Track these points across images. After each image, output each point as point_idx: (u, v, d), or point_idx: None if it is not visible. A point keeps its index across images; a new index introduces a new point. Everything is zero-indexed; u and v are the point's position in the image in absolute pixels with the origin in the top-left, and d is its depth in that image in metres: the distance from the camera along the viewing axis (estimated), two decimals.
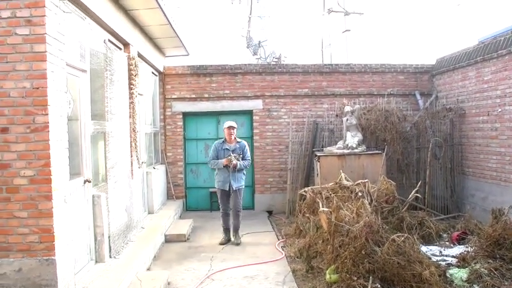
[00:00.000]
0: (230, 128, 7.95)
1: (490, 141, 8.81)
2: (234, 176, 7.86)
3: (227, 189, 7.87)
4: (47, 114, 4.34)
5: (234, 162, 7.72)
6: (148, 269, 6.56)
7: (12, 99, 4.34)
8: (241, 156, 7.87)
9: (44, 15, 4.32)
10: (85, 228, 5.64)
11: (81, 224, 5.47)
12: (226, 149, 7.92)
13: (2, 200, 4.37)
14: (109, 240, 6.07)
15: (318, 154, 9.51)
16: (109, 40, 6.83)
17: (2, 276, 4.37)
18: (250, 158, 8.16)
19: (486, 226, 6.76)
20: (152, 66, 10.06)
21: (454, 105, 9.94)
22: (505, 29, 8.70)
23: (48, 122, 4.35)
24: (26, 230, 4.39)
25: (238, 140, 8.14)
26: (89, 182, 5.73)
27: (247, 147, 8.12)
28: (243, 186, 8.11)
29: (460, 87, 9.87)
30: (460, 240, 7.27)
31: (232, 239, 8.05)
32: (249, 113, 11.17)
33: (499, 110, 8.42)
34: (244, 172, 8.12)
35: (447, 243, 7.43)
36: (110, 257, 6.08)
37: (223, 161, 7.78)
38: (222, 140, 8.14)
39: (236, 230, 8.07)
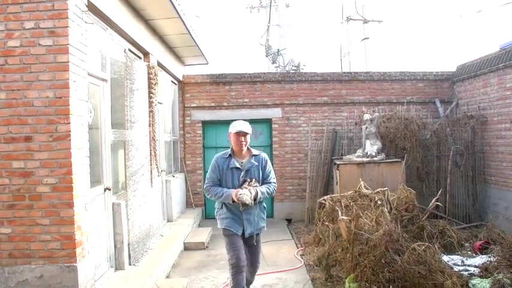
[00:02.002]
0: (240, 134, 4.91)
1: None
2: (249, 213, 4.92)
3: (239, 233, 4.97)
4: (69, 123, 4.42)
5: (248, 200, 4.72)
6: (167, 277, 6.59)
7: (35, 109, 4.43)
8: (259, 179, 5.02)
9: (67, 26, 4.41)
10: (105, 236, 5.70)
11: (101, 232, 5.54)
12: (236, 168, 4.94)
13: (25, 207, 4.44)
14: (129, 248, 6.12)
15: (337, 162, 9.47)
16: (129, 50, 6.93)
17: (23, 283, 4.44)
18: (275, 179, 5.17)
19: (509, 235, 6.65)
20: (172, 75, 10.15)
21: (475, 112, 9.81)
22: None
23: (70, 131, 4.43)
24: (48, 237, 4.45)
25: (255, 151, 5.09)
26: (109, 190, 5.80)
27: (269, 163, 5.13)
28: (265, 229, 5.24)
29: (481, 94, 9.75)
30: (483, 250, 7.14)
31: None
32: (268, 122, 11.18)
33: None
34: (265, 205, 5.22)
35: (469, 252, 7.30)
36: (130, 264, 6.13)
37: (231, 194, 4.79)
38: (228, 152, 5.02)
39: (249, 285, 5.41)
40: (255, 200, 4.80)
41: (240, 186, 4.87)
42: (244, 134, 4.92)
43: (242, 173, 4.93)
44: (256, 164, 5.02)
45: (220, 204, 5.10)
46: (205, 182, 5.10)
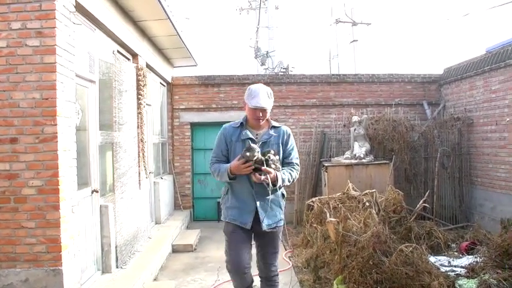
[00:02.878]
0: (258, 110, 3.86)
1: (499, 151, 8.75)
2: (264, 201, 3.88)
3: (249, 227, 3.90)
4: (56, 125, 4.38)
5: (271, 174, 3.72)
6: (155, 279, 6.55)
7: (21, 110, 4.39)
8: (280, 157, 3.93)
9: (55, 27, 4.38)
10: (92, 239, 5.66)
11: (88, 234, 5.50)
12: (249, 139, 3.90)
13: (10, 210, 4.39)
14: (116, 251, 6.08)
15: (326, 164, 9.50)
16: (118, 51, 6.90)
17: (8, 287, 4.38)
18: (298, 159, 4.12)
19: (495, 236, 6.71)
20: (160, 76, 10.12)
21: (462, 114, 9.90)
22: None
23: (56, 133, 4.39)
24: (33, 240, 4.41)
25: (275, 123, 4.08)
26: (97, 192, 5.76)
27: (292, 138, 4.11)
28: (282, 223, 4.08)
29: (467, 97, 9.84)
30: (469, 251, 7.20)
31: None
32: None
33: (507, 119, 8.38)
34: (284, 192, 4.12)
35: (456, 253, 7.36)
36: (117, 267, 6.09)
37: (242, 166, 3.69)
38: (240, 121, 4.03)
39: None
40: (274, 185, 3.74)
41: (259, 164, 3.70)
42: (263, 111, 3.88)
43: (257, 146, 3.76)
44: (276, 135, 3.97)
45: (226, 187, 4.06)
46: (210, 158, 4.06)
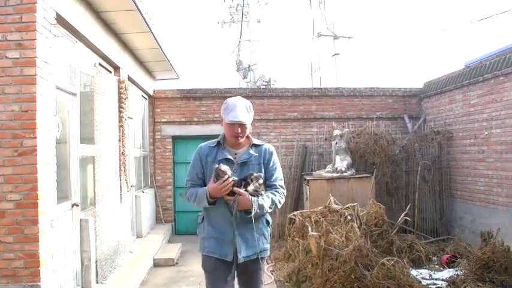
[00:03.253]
0: (236, 125, 3.42)
1: (478, 164, 8.88)
2: (244, 228, 3.41)
3: (230, 258, 3.43)
4: (36, 138, 4.32)
5: (245, 196, 3.27)
6: None
7: (0, 122, 4.32)
8: (262, 180, 3.42)
9: (35, 39, 4.33)
10: (72, 253, 5.56)
11: (67, 249, 5.40)
12: (226, 160, 3.46)
13: None
14: (96, 265, 5.98)
15: (307, 178, 9.52)
16: (99, 64, 6.86)
17: None
18: (282, 181, 3.60)
19: (475, 249, 6.77)
20: (142, 89, 10.08)
21: (442, 128, 10.03)
22: (491, 53, 8.86)
23: (36, 146, 4.32)
24: (11, 255, 4.31)
25: (257, 141, 3.66)
26: (77, 206, 5.68)
27: (275, 157, 3.61)
28: (268, 252, 3.64)
29: (447, 111, 9.99)
30: (450, 264, 7.25)
31: None
32: None
33: (486, 133, 8.52)
34: (269, 219, 3.62)
35: (437, 266, 7.41)
36: (97, 282, 5.99)
37: (219, 187, 3.25)
38: (216, 141, 3.60)
39: None
40: (247, 212, 3.28)
41: (235, 186, 3.27)
42: (242, 126, 3.43)
43: (235, 167, 3.39)
44: (257, 155, 3.51)
45: (201, 215, 3.62)
46: (186, 181, 3.63)
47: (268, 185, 3.48)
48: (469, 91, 9.11)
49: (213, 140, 3.61)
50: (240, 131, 3.43)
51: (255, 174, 3.36)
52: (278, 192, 3.48)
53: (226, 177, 3.21)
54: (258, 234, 3.45)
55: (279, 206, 3.48)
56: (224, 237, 3.40)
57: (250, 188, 3.30)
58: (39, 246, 4.33)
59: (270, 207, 3.39)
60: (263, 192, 3.37)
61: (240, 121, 3.38)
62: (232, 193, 3.24)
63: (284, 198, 3.52)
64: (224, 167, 3.27)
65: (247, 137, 3.59)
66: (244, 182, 3.31)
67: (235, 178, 3.28)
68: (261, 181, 3.37)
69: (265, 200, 3.35)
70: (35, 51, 4.33)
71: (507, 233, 7.02)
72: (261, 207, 3.29)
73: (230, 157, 3.46)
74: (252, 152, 3.51)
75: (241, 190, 3.26)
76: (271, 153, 3.57)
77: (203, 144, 3.62)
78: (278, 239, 10.12)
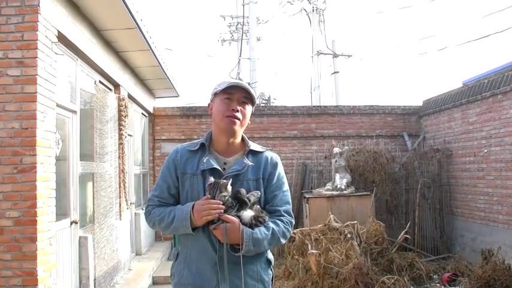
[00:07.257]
0: (235, 99, 2.41)
1: (478, 182, 8.87)
2: (234, 272, 2.23)
3: None
4: (35, 155, 4.33)
5: (235, 224, 2.21)
6: None
7: (0, 140, 4.33)
8: (257, 199, 2.34)
9: (36, 57, 4.37)
10: (70, 271, 5.53)
11: (66, 267, 5.37)
12: (212, 170, 2.34)
13: None
14: (94, 283, 5.94)
15: (307, 196, 9.50)
16: (100, 81, 6.90)
17: None
18: (290, 205, 2.53)
19: (476, 267, 6.74)
20: (142, 107, 10.12)
21: (441, 146, 10.05)
22: (488, 72, 8.93)
23: (35, 163, 4.33)
24: (9, 272, 4.28)
25: (256, 146, 2.50)
26: (76, 223, 5.66)
27: (280, 169, 2.50)
28: None
29: (446, 129, 10.02)
30: (451, 282, 7.21)
31: None
32: None
33: (485, 150, 8.53)
34: (270, 258, 2.48)
35: (438, 284, 7.35)
36: None
37: (191, 207, 2.26)
38: (199, 142, 2.54)
39: None
40: (235, 248, 2.26)
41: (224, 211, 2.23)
42: (242, 102, 2.43)
43: (222, 183, 2.27)
44: (254, 165, 2.41)
45: (175, 250, 2.50)
46: (149, 196, 2.55)
47: (270, 211, 2.42)
48: (467, 109, 9.15)
49: (194, 141, 2.57)
50: (239, 109, 2.39)
51: (254, 194, 2.34)
52: (282, 221, 2.40)
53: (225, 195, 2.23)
54: (254, 280, 2.34)
55: (283, 241, 2.41)
56: (205, 284, 2.30)
57: (246, 214, 2.28)
58: (38, 264, 4.31)
59: (270, 244, 2.32)
60: (267, 218, 2.35)
61: (241, 85, 2.41)
62: (216, 219, 2.22)
63: (291, 231, 2.47)
64: (228, 185, 2.25)
65: (243, 139, 2.51)
66: (238, 203, 2.27)
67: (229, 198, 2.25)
68: (255, 201, 2.34)
69: (263, 232, 2.28)
70: (36, 69, 4.37)
71: (508, 251, 7.00)
72: (256, 242, 2.24)
73: (217, 166, 2.37)
74: (246, 161, 2.40)
75: (231, 216, 2.22)
76: (275, 165, 2.49)
77: (180, 146, 2.58)
78: (278, 257, 10.05)
